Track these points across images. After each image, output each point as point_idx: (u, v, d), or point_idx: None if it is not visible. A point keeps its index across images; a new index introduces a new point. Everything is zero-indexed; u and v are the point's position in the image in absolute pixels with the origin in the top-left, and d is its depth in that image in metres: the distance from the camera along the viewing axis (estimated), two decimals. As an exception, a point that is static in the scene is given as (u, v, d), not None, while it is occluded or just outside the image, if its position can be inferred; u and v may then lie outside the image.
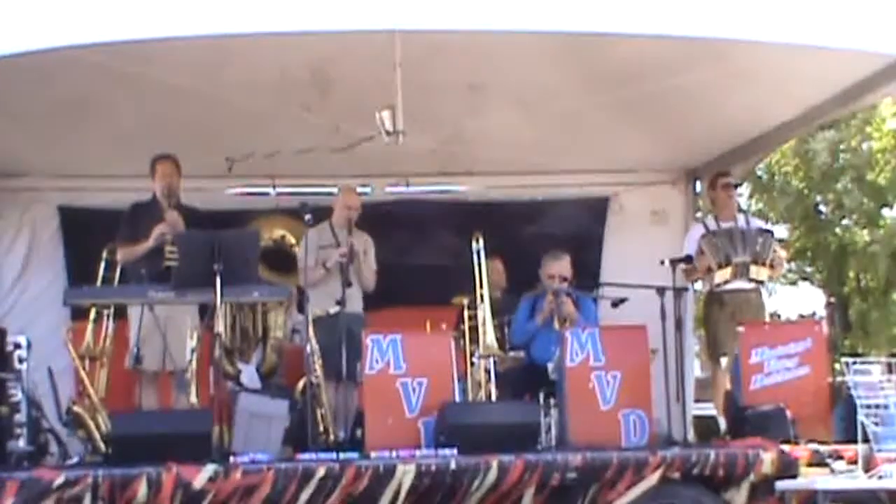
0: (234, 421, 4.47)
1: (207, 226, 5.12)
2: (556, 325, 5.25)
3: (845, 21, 4.28)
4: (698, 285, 5.86)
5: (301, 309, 5.10)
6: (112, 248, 5.26)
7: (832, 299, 12.88)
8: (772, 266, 5.50)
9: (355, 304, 5.36)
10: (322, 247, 5.39)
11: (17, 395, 4.34)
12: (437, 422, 4.42)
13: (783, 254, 5.73)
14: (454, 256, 5.62)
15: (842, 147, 13.06)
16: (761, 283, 5.61)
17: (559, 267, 5.41)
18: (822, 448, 4.26)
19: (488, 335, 5.06)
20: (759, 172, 13.73)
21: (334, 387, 5.00)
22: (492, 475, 3.97)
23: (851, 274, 13.92)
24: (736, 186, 5.85)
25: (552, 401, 4.83)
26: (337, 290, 5.08)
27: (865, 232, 13.00)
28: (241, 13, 3.84)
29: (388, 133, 4.67)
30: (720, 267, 5.35)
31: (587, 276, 5.94)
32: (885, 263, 12.89)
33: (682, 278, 5.42)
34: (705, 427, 5.78)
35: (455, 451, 4.13)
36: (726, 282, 5.47)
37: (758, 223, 5.90)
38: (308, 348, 4.87)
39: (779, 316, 14.05)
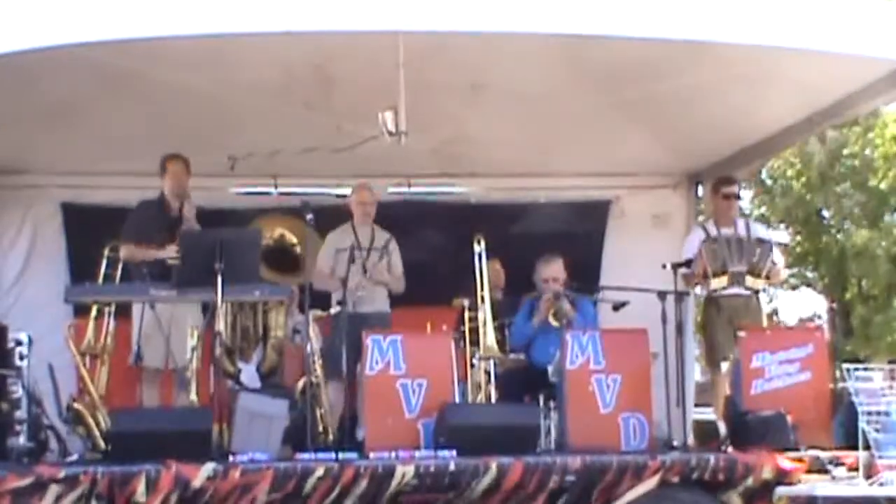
0: (233, 420, 4.47)
1: (209, 225, 5.12)
2: (553, 321, 5.20)
3: (849, 26, 4.27)
4: (698, 289, 5.85)
5: (302, 308, 5.10)
6: (115, 245, 5.26)
7: (834, 305, 12.88)
8: (767, 277, 5.47)
9: (383, 303, 5.38)
10: (339, 250, 5.39)
11: (18, 391, 4.35)
12: (436, 423, 4.42)
13: (782, 264, 5.69)
14: (455, 258, 5.61)
15: (844, 152, 13.07)
16: (757, 291, 5.59)
17: (552, 270, 5.41)
18: (823, 454, 4.26)
19: (488, 337, 5.06)
20: (761, 176, 13.76)
21: (346, 386, 4.99)
22: (491, 477, 3.97)
23: (853, 279, 13.91)
24: (737, 197, 5.82)
25: (552, 403, 4.83)
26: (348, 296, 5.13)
27: (864, 233, 13.00)
28: (244, 12, 3.84)
29: (390, 134, 4.67)
30: (716, 275, 5.32)
31: (588, 279, 5.94)
32: (885, 268, 12.89)
33: (683, 283, 5.40)
34: (705, 431, 5.77)
35: (454, 452, 4.13)
36: (723, 288, 5.45)
37: (758, 229, 5.87)
38: (308, 348, 4.87)
39: (776, 314, 14.05)
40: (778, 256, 5.72)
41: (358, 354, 4.73)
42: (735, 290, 5.47)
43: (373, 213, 5.51)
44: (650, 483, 4.07)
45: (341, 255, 5.36)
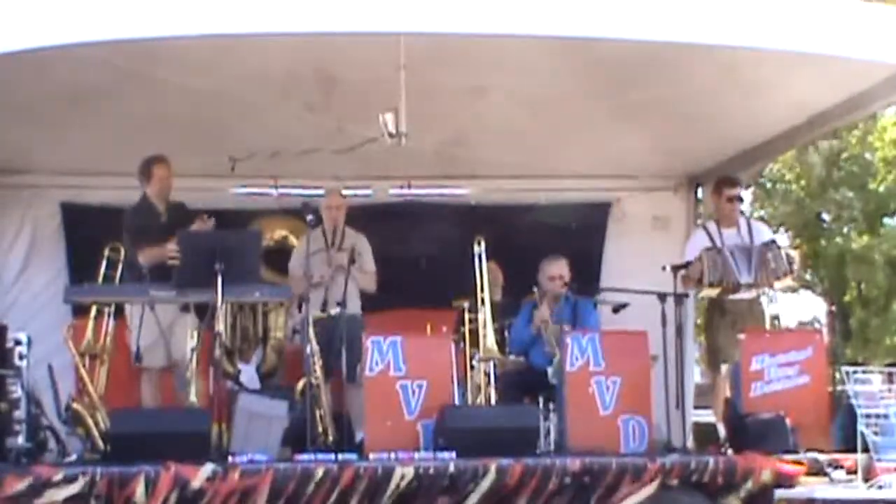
0: (233, 421, 4.47)
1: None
2: (549, 345, 5.18)
3: (849, 30, 4.28)
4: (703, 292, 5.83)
5: (301, 309, 5.10)
6: (115, 246, 5.25)
7: (833, 308, 12.88)
8: (791, 272, 5.45)
9: (351, 305, 5.34)
10: (313, 253, 5.39)
11: (17, 391, 4.34)
12: (436, 424, 4.42)
13: (795, 255, 5.67)
14: (455, 259, 5.61)
15: (844, 156, 13.09)
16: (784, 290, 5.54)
17: (558, 268, 5.41)
18: (822, 457, 4.26)
19: (488, 338, 5.06)
20: (761, 179, 13.77)
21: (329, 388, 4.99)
22: (490, 479, 3.97)
23: (852, 283, 13.92)
24: (741, 199, 5.80)
25: (551, 405, 4.83)
26: (328, 295, 5.09)
27: (864, 238, 13.01)
28: (247, 13, 3.85)
29: (390, 135, 4.67)
30: (711, 285, 5.31)
31: (588, 281, 5.94)
32: (883, 272, 12.90)
33: (682, 285, 5.40)
34: (705, 434, 5.76)
35: (454, 454, 4.14)
36: (719, 295, 5.44)
37: (760, 228, 5.84)
38: (308, 349, 4.87)
39: (777, 319, 14.02)
40: (785, 248, 5.70)
41: (339, 356, 4.72)
42: (740, 293, 5.45)
43: (340, 217, 5.47)
44: (650, 486, 4.06)
45: (311, 259, 5.34)
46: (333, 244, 5.42)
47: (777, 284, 5.37)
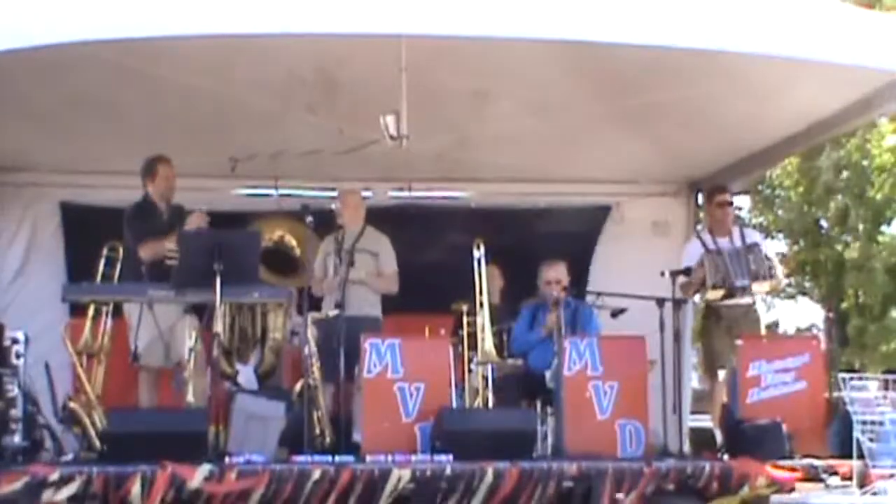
0: (230, 421, 4.47)
1: (209, 226, 5.11)
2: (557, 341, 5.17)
3: (851, 37, 4.29)
4: (697, 297, 5.84)
5: (300, 311, 5.10)
6: (113, 245, 5.25)
7: (831, 314, 12.88)
8: (771, 277, 5.45)
9: (369, 307, 5.34)
10: (329, 254, 5.39)
11: (14, 390, 4.35)
12: (433, 427, 4.42)
13: (777, 261, 5.67)
14: (454, 262, 5.61)
15: (842, 163, 13.09)
16: (763, 294, 5.54)
17: (556, 272, 5.41)
18: (818, 463, 4.27)
19: (487, 342, 5.06)
20: (761, 187, 13.78)
21: (332, 390, 4.99)
22: (487, 482, 3.97)
23: (850, 290, 13.92)
24: (731, 204, 5.81)
25: (549, 409, 4.83)
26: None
27: (861, 246, 13.01)
28: (249, 14, 3.85)
29: (391, 137, 4.68)
30: (715, 287, 5.32)
31: (587, 285, 5.93)
32: (882, 279, 12.91)
33: (680, 292, 5.40)
34: (702, 439, 5.77)
35: (451, 457, 4.14)
36: (720, 299, 5.45)
37: (753, 236, 5.85)
38: (306, 350, 4.87)
39: (776, 326, 14.04)
40: (771, 253, 5.70)
41: (348, 358, 4.72)
42: (735, 300, 5.45)
43: (347, 223, 5.38)
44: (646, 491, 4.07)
45: (329, 259, 5.35)
46: (353, 251, 5.28)
47: (755, 287, 5.36)
